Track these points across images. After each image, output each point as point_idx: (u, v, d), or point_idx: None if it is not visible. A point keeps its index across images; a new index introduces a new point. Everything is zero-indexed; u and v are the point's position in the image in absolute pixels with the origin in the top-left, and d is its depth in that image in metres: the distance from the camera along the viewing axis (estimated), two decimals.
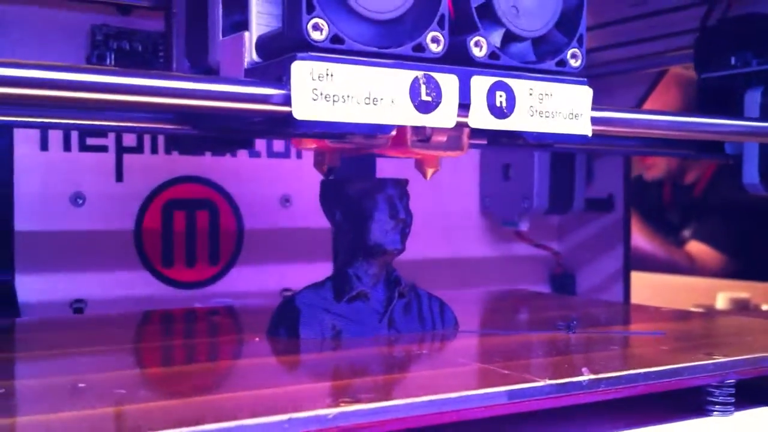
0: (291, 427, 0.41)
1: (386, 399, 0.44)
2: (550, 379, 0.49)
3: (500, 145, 0.62)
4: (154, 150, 0.92)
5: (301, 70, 0.49)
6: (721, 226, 2.08)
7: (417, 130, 0.57)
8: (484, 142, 0.65)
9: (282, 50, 0.51)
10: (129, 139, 0.91)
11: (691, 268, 2.12)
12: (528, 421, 0.52)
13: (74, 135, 0.88)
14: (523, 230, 1.14)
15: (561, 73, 0.58)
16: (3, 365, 0.56)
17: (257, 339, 0.63)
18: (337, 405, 0.42)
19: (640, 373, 0.52)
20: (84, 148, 0.89)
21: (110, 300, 0.90)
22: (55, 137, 0.87)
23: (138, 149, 0.91)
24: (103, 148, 0.90)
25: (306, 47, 0.49)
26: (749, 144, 0.84)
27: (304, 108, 0.49)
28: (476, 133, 0.58)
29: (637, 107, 1.13)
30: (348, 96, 0.50)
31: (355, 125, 0.50)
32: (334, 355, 0.59)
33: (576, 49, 0.58)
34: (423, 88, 0.52)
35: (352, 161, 0.99)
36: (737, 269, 2.03)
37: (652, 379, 0.52)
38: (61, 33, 0.88)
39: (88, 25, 0.89)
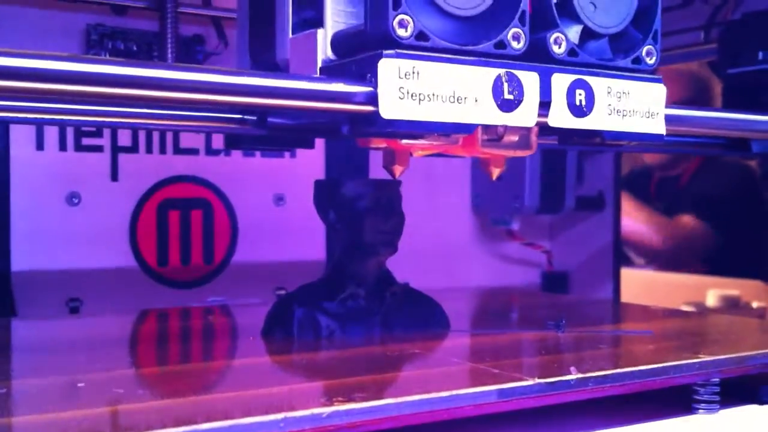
0: (286, 426, 0.41)
1: (380, 398, 0.45)
2: (539, 378, 0.50)
3: (571, 144, 0.61)
4: (149, 149, 0.93)
5: (388, 68, 0.48)
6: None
7: (488, 129, 0.55)
8: (553, 141, 0.64)
9: (363, 48, 0.50)
10: (124, 139, 0.91)
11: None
12: (517, 419, 0.53)
13: (70, 135, 0.89)
14: (515, 229, 1.15)
15: (637, 71, 0.57)
16: (3, 365, 0.57)
17: (252, 338, 0.64)
18: (331, 404, 0.43)
19: (626, 372, 0.53)
20: (79, 147, 0.90)
21: (105, 298, 0.90)
22: (51, 137, 0.88)
23: (133, 149, 0.92)
24: (98, 148, 0.90)
25: (391, 44, 0.48)
26: None
27: (391, 107, 0.48)
28: (544, 131, 0.57)
29: None
30: (433, 94, 0.49)
31: (440, 124, 0.49)
32: (327, 355, 0.60)
33: (651, 46, 0.58)
34: (505, 86, 0.51)
35: (344, 160, 1.00)
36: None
37: (638, 378, 0.53)
38: (57, 32, 0.89)
39: (83, 25, 0.90)
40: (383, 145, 0.59)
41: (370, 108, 0.48)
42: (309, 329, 0.63)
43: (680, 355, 0.57)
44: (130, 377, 0.54)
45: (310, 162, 0.99)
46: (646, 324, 0.75)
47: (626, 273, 1.25)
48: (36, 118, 0.61)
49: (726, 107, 0.86)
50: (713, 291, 1.99)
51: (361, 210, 0.64)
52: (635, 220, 2.08)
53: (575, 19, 0.55)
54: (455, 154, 0.61)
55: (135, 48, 0.92)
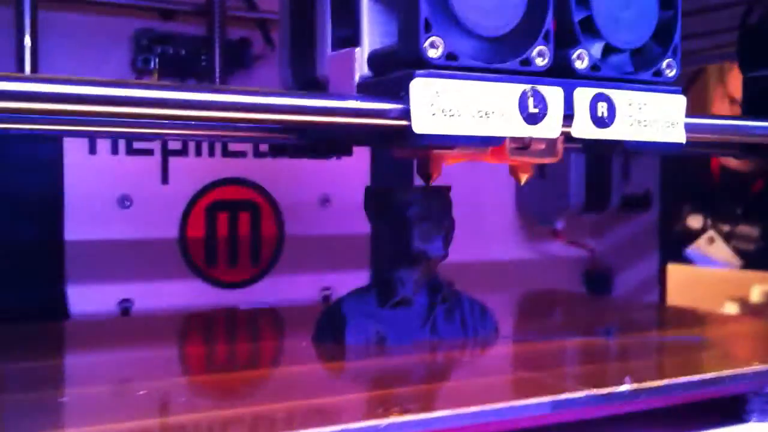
0: None
1: (434, 409, 0.46)
2: (592, 388, 0.50)
3: (594, 152, 0.63)
4: (198, 153, 0.94)
5: (420, 87, 0.50)
6: None
7: (516, 138, 0.57)
8: (578, 146, 0.65)
9: (396, 66, 0.52)
10: (174, 143, 0.93)
11: None
12: (568, 429, 0.53)
13: (121, 139, 0.90)
14: (559, 229, 1.14)
15: (657, 83, 0.59)
16: (62, 370, 0.58)
17: (304, 344, 0.65)
18: (387, 415, 0.44)
19: (680, 383, 0.53)
20: (131, 151, 0.91)
21: (155, 298, 0.92)
22: (104, 141, 0.90)
23: (183, 152, 0.93)
24: (149, 152, 0.92)
25: (422, 64, 0.51)
26: None
27: (423, 122, 0.50)
28: (570, 139, 0.59)
29: None
30: (462, 110, 0.51)
31: (469, 138, 0.52)
32: (378, 362, 0.60)
33: (671, 59, 0.59)
34: (531, 100, 0.53)
35: (390, 163, 1.01)
36: None
37: (692, 389, 0.54)
38: (106, 39, 0.90)
39: (131, 31, 0.91)
40: (417, 154, 0.62)
41: (403, 122, 0.51)
42: (359, 335, 0.63)
43: (732, 364, 0.57)
44: (186, 385, 0.55)
45: (356, 164, 1.00)
46: (695, 329, 0.74)
47: (670, 267, 1.24)
48: (90, 131, 0.64)
49: (746, 110, 0.86)
50: (757, 286, 1.97)
51: (411, 217, 0.65)
52: None
53: (597, 35, 0.57)
54: (486, 161, 0.63)
55: (183, 53, 0.93)
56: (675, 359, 0.62)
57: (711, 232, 2.10)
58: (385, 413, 0.44)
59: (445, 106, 0.51)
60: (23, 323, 0.72)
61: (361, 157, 1.00)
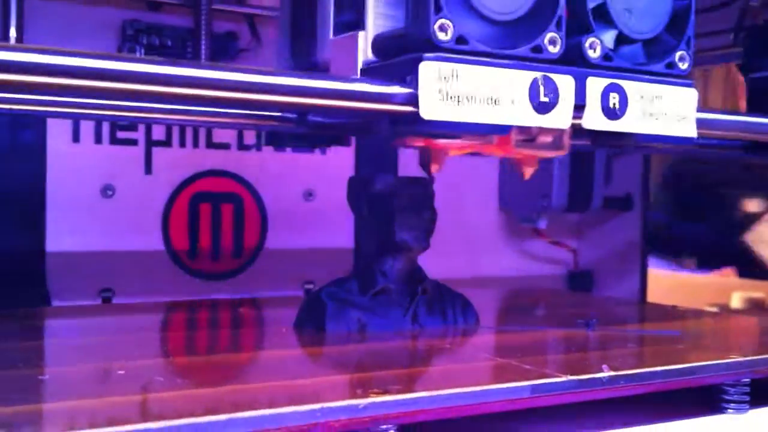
0: (323, 415, 0.42)
1: (414, 391, 0.46)
2: (571, 375, 0.50)
3: (603, 146, 0.63)
4: (182, 144, 0.94)
5: (429, 71, 0.49)
6: None
7: (522, 129, 0.56)
8: (585, 142, 0.65)
9: (404, 50, 0.51)
10: (158, 133, 0.93)
11: None
12: (547, 415, 0.53)
13: (105, 128, 0.90)
14: (542, 228, 1.15)
15: (670, 75, 0.59)
16: (43, 351, 0.58)
17: (284, 329, 0.65)
18: (367, 395, 0.44)
19: (658, 371, 0.54)
20: (114, 141, 0.91)
21: (137, 289, 0.92)
22: (87, 130, 0.89)
23: (167, 143, 0.93)
24: (133, 142, 0.92)
25: (432, 47, 0.50)
26: None
27: (431, 108, 0.49)
28: (577, 133, 0.58)
29: None
30: (472, 96, 0.50)
31: (477, 125, 0.51)
32: (359, 348, 0.60)
33: (684, 52, 0.59)
34: (542, 89, 0.53)
35: (374, 157, 1.01)
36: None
37: (669, 377, 0.54)
38: (93, 28, 0.90)
39: (119, 20, 0.91)
40: (420, 144, 0.61)
41: (410, 108, 0.50)
42: (341, 323, 0.64)
43: (710, 355, 0.58)
44: (168, 366, 0.55)
45: (341, 158, 1.00)
46: (674, 324, 0.75)
47: (651, 273, 1.25)
48: (74, 113, 0.63)
49: (750, 110, 0.86)
50: (738, 293, 1.99)
51: (393, 206, 0.65)
52: None
53: (610, 24, 0.56)
54: (490, 153, 0.62)
55: (169, 44, 0.93)
56: (654, 350, 0.63)
57: None
58: (365, 394, 0.45)
59: (454, 91, 0.50)
60: (3, 309, 0.72)
61: (346, 151, 1.00)
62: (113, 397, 0.43)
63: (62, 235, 0.88)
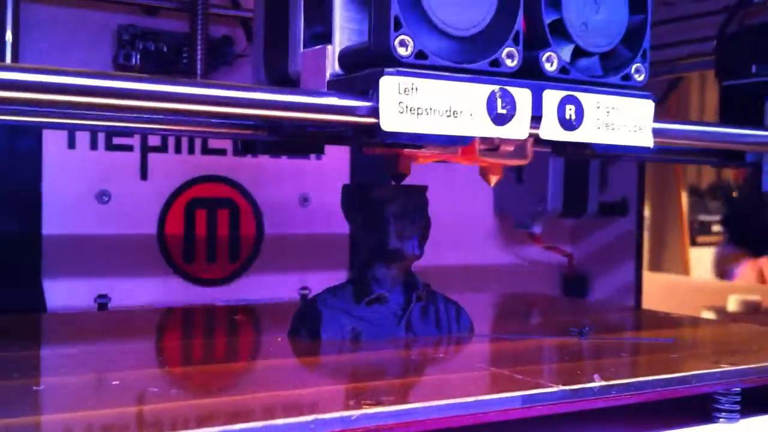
0: (317, 427, 0.43)
1: (407, 402, 0.46)
2: (563, 385, 0.51)
3: (565, 154, 0.64)
4: (177, 150, 0.94)
5: (389, 85, 0.51)
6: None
7: (485, 139, 0.58)
8: (548, 149, 0.66)
9: (366, 64, 0.53)
10: (154, 139, 0.93)
11: None
12: (539, 425, 0.54)
13: (101, 134, 0.90)
14: (537, 233, 1.15)
15: (626, 87, 0.60)
16: (38, 360, 0.58)
17: (279, 339, 0.65)
18: (360, 407, 0.45)
19: (649, 381, 0.54)
20: (110, 147, 0.91)
21: (133, 295, 0.92)
22: (83, 136, 0.90)
23: (162, 149, 0.94)
24: (128, 148, 0.92)
25: (392, 62, 0.51)
26: None
27: (391, 120, 0.51)
28: (541, 141, 0.59)
29: None
30: (431, 109, 0.52)
31: (437, 137, 0.53)
32: (354, 357, 0.61)
33: (640, 64, 0.60)
34: (499, 101, 0.54)
35: (369, 163, 1.01)
36: None
37: (661, 387, 0.54)
38: (88, 33, 0.91)
39: (115, 25, 0.91)
40: (388, 152, 0.63)
41: (372, 120, 0.52)
42: (335, 331, 0.64)
43: (702, 365, 0.58)
44: (162, 376, 0.55)
45: (336, 164, 1.01)
46: (668, 332, 0.75)
47: (647, 276, 1.26)
48: (67, 124, 0.64)
49: (722, 119, 0.88)
50: (734, 296, 1.99)
51: (387, 214, 0.65)
52: None
53: (567, 38, 0.58)
54: (455, 161, 0.64)
55: (165, 49, 0.93)
56: (646, 359, 0.63)
57: None
58: (357, 405, 0.45)
59: (414, 104, 0.51)
60: (0, 316, 0.72)
61: (341, 157, 1.01)
62: (108, 409, 0.44)
63: (58, 240, 0.89)
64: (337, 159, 1.00)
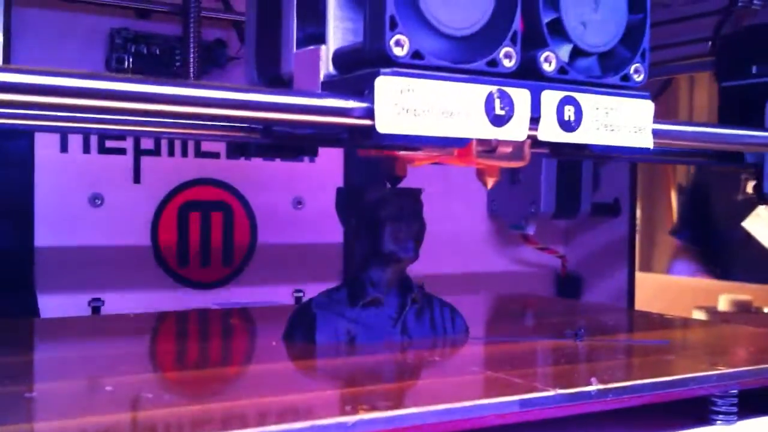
0: None
1: (403, 407, 0.46)
2: (560, 388, 0.50)
3: (563, 156, 0.63)
4: (171, 153, 0.94)
5: (385, 85, 0.50)
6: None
7: (483, 141, 0.57)
8: (546, 151, 0.66)
9: (361, 64, 0.52)
10: (147, 142, 0.93)
11: None
12: (536, 428, 0.53)
13: (93, 138, 0.90)
14: (530, 234, 1.15)
15: (625, 87, 0.59)
16: (31, 366, 0.58)
17: (274, 343, 0.65)
18: (356, 412, 0.44)
19: (646, 384, 0.54)
20: (103, 150, 0.91)
21: (126, 298, 0.92)
22: (75, 139, 0.89)
23: (155, 152, 0.93)
24: (121, 151, 0.92)
25: (388, 62, 0.50)
26: None
27: (387, 122, 0.50)
28: (538, 143, 0.58)
29: None
30: (427, 110, 0.51)
31: (433, 138, 0.51)
32: (349, 361, 0.60)
33: (639, 64, 0.59)
34: (497, 102, 0.53)
35: (363, 165, 1.01)
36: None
37: (658, 390, 0.54)
38: (81, 36, 0.90)
39: (107, 28, 0.91)
40: (383, 154, 0.62)
41: (367, 122, 0.50)
42: (330, 334, 0.64)
43: (698, 367, 0.58)
44: (155, 382, 0.55)
45: (330, 166, 1.01)
46: (663, 333, 0.75)
47: (639, 276, 1.26)
48: (59, 127, 0.64)
49: (721, 119, 0.87)
50: (725, 295, 1.99)
51: (382, 217, 0.65)
52: None
53: (565, 38, 0.57)
54: (452, 163, 0.63)
55: (158, 52, 0.93)
56: (642, 361, 0.63)
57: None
58: (354, 410, 0.45)
59: (410, 105, 0.50)
60: None
61: (335, 159, 1.01)
62: (101, 416, 0.43)
63: (51, 244, 0.88)
64: (330, 161, 0.99)
